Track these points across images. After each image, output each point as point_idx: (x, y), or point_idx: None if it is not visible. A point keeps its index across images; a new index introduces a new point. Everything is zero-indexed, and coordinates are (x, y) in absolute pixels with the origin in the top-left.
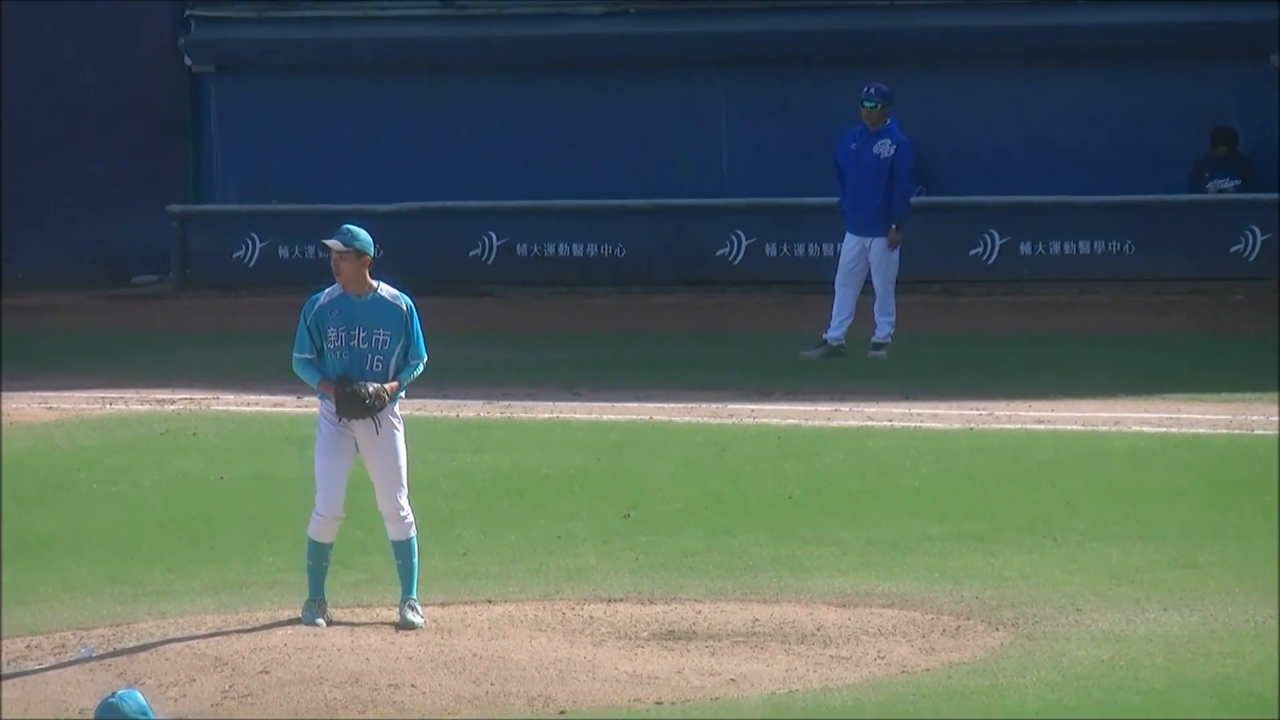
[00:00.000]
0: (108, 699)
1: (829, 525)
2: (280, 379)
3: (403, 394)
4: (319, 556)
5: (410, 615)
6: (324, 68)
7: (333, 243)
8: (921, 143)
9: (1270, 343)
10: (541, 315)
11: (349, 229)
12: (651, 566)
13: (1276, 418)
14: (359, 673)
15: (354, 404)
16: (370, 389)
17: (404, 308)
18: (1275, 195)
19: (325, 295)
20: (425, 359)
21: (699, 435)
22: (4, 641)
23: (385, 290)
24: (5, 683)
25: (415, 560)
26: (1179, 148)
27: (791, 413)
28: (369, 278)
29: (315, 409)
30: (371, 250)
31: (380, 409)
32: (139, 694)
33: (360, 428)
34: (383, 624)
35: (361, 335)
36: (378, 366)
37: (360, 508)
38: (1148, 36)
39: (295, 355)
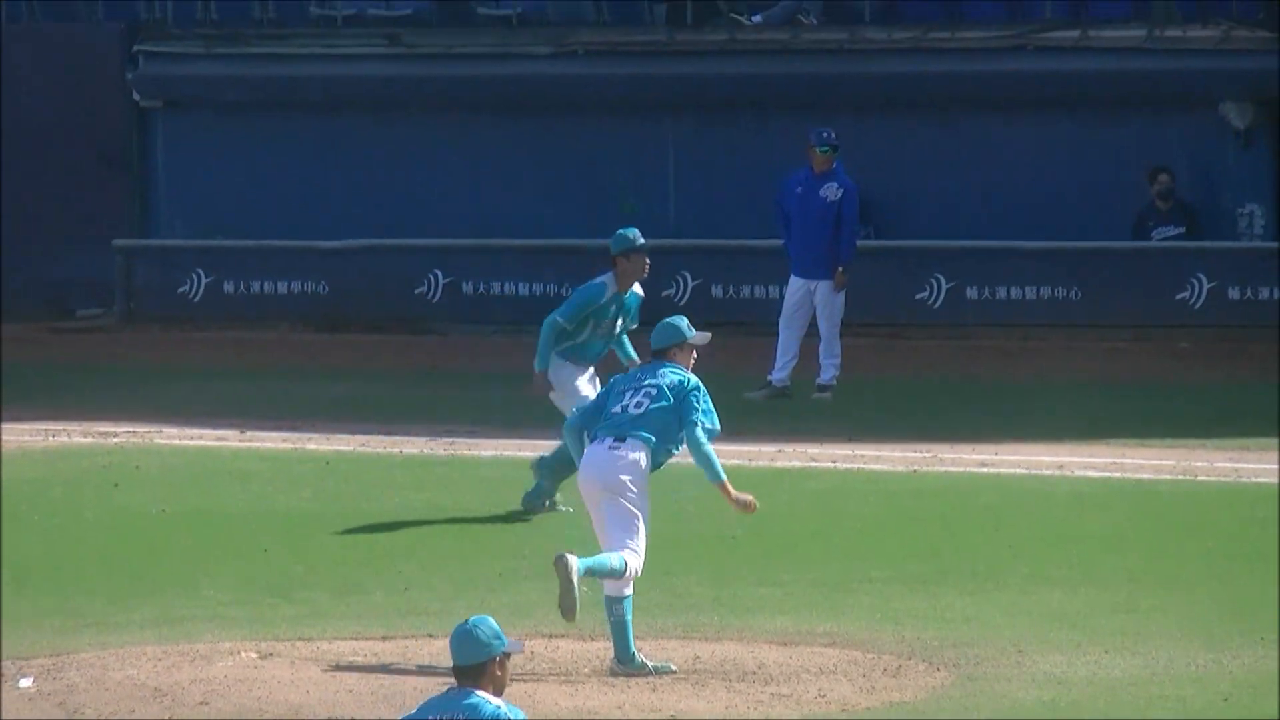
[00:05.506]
0: None
1: (771, 566)
2: (223, 413)
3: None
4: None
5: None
6: (272, 105)
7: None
8: (869, 187)
9: (1215, 390)
10: (487, 353)
11: None
12: (593, 604)
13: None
14: (299, 705)
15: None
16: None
17: None
18: (1221, 243)
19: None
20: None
21: None
22: None
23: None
24: None
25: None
26: (1126, 195)
27: (735, 453)
28: None
29: (256, 444)
30: None
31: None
32: None
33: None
34: (322, 658)
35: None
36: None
37: (302, 543)
38: (1095, 84)
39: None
